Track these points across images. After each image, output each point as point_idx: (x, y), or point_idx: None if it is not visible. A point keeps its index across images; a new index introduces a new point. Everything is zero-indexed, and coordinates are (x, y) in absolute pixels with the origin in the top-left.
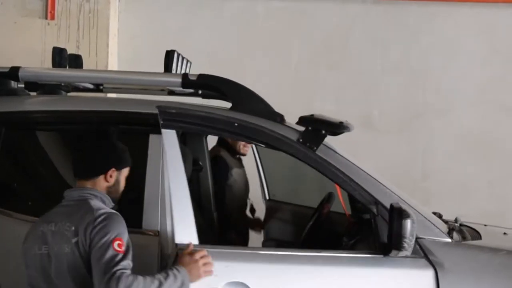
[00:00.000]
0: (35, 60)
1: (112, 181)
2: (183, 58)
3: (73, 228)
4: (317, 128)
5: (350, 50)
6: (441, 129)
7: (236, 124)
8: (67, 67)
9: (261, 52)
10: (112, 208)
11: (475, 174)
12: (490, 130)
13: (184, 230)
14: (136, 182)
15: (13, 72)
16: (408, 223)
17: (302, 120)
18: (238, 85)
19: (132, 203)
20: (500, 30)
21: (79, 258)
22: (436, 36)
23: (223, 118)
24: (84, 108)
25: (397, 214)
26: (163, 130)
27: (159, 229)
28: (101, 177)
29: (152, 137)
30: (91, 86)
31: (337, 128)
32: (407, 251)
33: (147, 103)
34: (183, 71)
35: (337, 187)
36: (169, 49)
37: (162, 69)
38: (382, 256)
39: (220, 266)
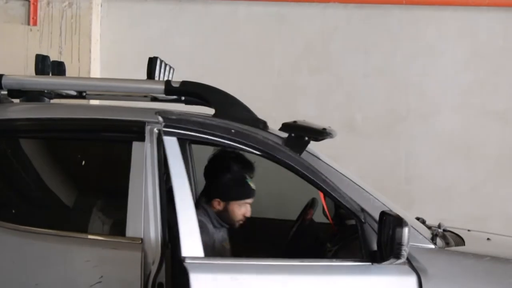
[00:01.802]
0: (17, 66)
1: (219, 208)
2: (165, 64)
3: None
4: (300, 135)
5: (332, 54)
6: (424, 133)
7: (233, 131)
8: (50, 74)
9: (244, 57)
10: (221, 228)
11: (458, 178)
12: (473, 134)
13: (191, 242)
14: (120, 189)
15: None
16: (406, 231)
17: (285, 127)
18: (221, 92)
19: (115, 210)
20: (482, 33)
21: None
22: (419, 40)
23: (221, 124)
24: (67, 116)
25: (396, 222)
26: (165, 138)
27: (142, 237)
28: (211, 203)
29: (135, 145)
30: (74, 93)
31: (320, 134)
32: (404, 259)
33: (131, 111)
34: (166, 78)
35: (321, 193)
36: (151, 53)
37: (145, 73)
38: (370, 264)
39: (227, 278)
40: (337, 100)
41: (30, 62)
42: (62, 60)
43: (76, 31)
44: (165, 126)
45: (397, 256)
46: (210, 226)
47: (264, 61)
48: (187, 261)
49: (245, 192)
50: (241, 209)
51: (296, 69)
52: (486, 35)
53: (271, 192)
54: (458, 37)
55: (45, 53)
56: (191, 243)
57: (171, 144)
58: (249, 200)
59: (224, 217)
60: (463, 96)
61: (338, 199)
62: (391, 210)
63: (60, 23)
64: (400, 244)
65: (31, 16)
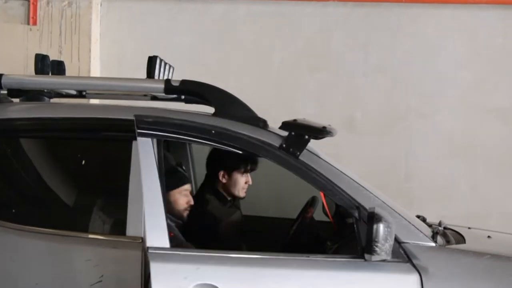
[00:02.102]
0: (17, 66)
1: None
2: (165, 63)
3: None
4: (300, 133)
5: (332, 53)
6: (424, 131)
7: (213, 132)
8: (50, 74)
9: (243, 56)
10: (176, 224)
11: (458, 176)
12: (473, 132)
13: (156, 234)
14: (120, 189)
15: None
16: (380, 227)
17: (285, 125)
18: (221, 91)
19: (116, 210)
20: (482, 31)
21: None
22: (418, 38)
23: (199, 126)
24: (67, 115)
25: (369, 218)
26: (139, 138)
27: (143, 236)
28: None
29: (135, 144)
30: (74, 92)
31: (320, 133)
32: (380, 256)
33: (130, 110)
34: (165, 77)
35: (321, 192)
36: (151, 53)
37: (145, 72)
38: (363, 260)
39: (190, 268)
40: (337, 98)
41: (30, 61)
42: (62, 59)
43: (75, 30)
44: (139, 128)
45: (370, 252)
46: (172, 225)
47: (263, 60)
48: (150, 251)
49: (180, 179)
50: (183, 198)
51: (296, 68)
52: (486, 33)
53: (271, 190)
54: (457, 35)
55: (45, 53)
56: (156, 234)
57: (144, 145)
58: (187, 187)
59: (171, 210)
60: (463, 94)
61: (330, 196)
62: (373, 207)
63: (59, 23)
64: (371, 240)
65: (31, 15)
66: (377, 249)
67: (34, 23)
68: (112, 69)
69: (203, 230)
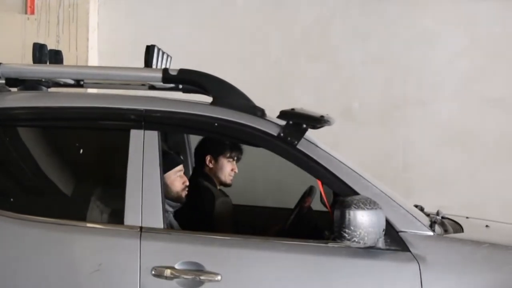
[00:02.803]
0: (15, 55)
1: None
2: (163, 52)
3: None
4: (298, 122)
5: (330, 42)
6: (421, 120)
7: (216, 124)
8: (48, 63)
9: (241, 45)
10: (175, 208)
11: (456, 166)
12: (470, 121)
13: (152, 217)
14: (118, 178)
15: None
16: (344, 213)
17: (282, 114)
18: (218, 80)
19: (114, 199)
20: (480, 21)
21: None
22: (416, 27)
23: (205, 119)
24: (65, 104)
25: (337, 204)
26: (146, 132)
27: (141, 225)
28: None
29: (133, 133)
30: (71, 82)
31: (318, 122)
32: (353, 242)
33: (128, 99)
34: (163, 66)
35: (318, 181)
36: (149, 42)
37: (142, 62)
38: (362, 248)
39: (178, 247)
40: (335, 87)
41: (27, 51)
42: (59, 49)
43: (73, 20)
44: (146, 122)
45: (337, 236)
46: (170, 210)
47: (261, 49)
48: (143, 231)
49: (173, 160)
50: (179, 179)
51: (294, 57)
52: (484, 23)
53: (268, 180)
54: (456, 24)
55: (42, 42)
56: (152, 217)
57: (151, 137)
58: (180, 167)
59: (169, 194)
60: (461, 84)
61: (328, 185)
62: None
63: (57, 12)
64: (338, 226)
65: (29, 5)
66: (345, 234)
67: (32, 13)
68: (109, 58)
69: (200, 205)
